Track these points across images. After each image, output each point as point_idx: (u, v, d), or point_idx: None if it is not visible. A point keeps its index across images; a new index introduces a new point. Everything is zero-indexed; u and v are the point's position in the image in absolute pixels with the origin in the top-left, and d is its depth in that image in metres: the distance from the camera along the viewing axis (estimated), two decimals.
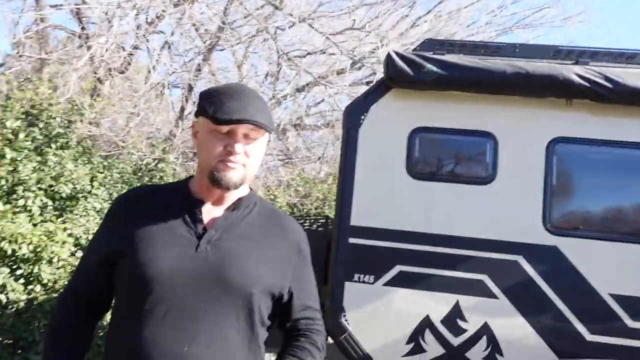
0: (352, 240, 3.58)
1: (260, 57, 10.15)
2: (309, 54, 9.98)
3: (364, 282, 3.54)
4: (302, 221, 4.75)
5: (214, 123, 1.50)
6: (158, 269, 1.44)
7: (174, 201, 1.57)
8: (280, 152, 12.08)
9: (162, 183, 1.65)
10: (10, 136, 5.67)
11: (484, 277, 3.43)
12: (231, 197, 1.58)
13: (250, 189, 1.66)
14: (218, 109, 1.49)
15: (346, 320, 3.50)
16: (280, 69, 10.31)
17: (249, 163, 1.54)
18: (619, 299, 3.30)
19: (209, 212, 1.56)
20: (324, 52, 10.25)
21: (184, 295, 1.44)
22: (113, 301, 1.60)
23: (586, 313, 3.32)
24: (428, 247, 3.52)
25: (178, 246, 1.48)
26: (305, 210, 10.89)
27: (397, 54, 3.61)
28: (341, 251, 3.57)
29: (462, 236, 3.50)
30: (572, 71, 3.38)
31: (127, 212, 1.58)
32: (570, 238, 3.41)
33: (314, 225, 4.78)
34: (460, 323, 3.42)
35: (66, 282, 4.70)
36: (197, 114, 1.59)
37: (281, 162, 12.07)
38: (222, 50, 10.76)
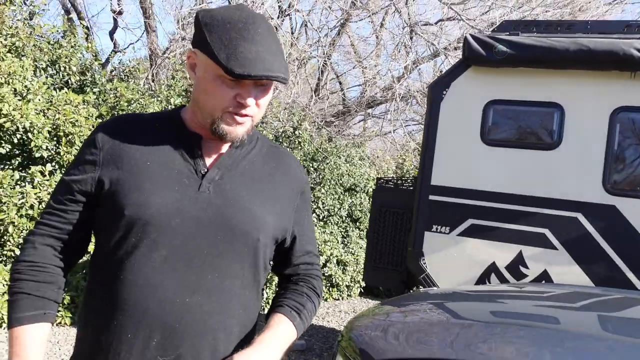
0: (432, 197, 4.26)
1: (387, 29, 10.74)
2: (433, 23, 10.39)
3: (440, 232, 4.21)
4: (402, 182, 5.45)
5: (226, 74, 1.25)
6: (156, 210, 1.26)
7: (168, 133, 1.36)
8: (419, 116, 12.69)
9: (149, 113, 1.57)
10: None
11: (546, 231, 3.93)
12: None
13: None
14: (231, 56, 1.24)
15: (424, 263, 4.22)
16: (411, 37, 10.87)
17: (258, 114, 1.34)
18: None
19: (209, 148, 1.37)
20: (452, 19, 10.62)
21: (185, 240, 1.27)
22: (93, 247, 1.37)
23: (638, 264, 3.70)
24: (497, 204, 4.08)
25: (178, 185, 1.30)
26: None
27: (473, 36, 4.14)
28: (422, 206, 4.27)
29: (528, 195, 4.01)
30: (632, 46, 3.69)
31: (113, 142, 1.33)
32: (627, 198, 3.78)
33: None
34: (522, 269, 3.97)
35: None
36: (195, 45, 1.32)
37: (418, 128, 12.69)
38: (356, 21, 11.57)
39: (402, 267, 4.43)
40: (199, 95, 1.34)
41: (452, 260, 4.15)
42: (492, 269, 4.05)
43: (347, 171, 9.18)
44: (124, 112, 6.34)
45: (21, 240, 5.12)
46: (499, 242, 4.06)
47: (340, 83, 13.40)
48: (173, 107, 6.98)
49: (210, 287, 1.30)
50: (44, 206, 5.26)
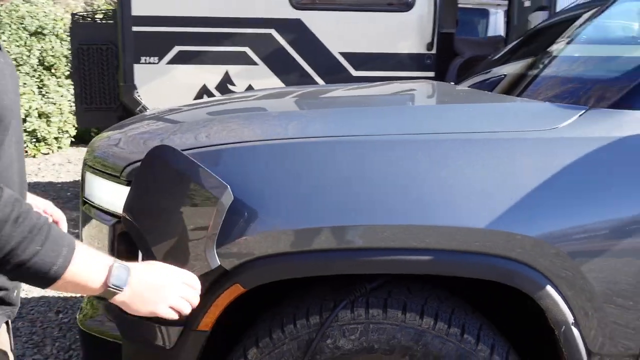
0: (135, 28, 4.21)
1: None
2: None
3: (149, 62, 4.27)
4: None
5: None
6: (7, 102, 1.27)
7: None
8: None
9: None
10: None
11: (247, 49, 4.30)
12: None
13: None
14: None
15: (139, 96, 4.29)
16: None
17: None
18: (345, 55, 4.36)
19: None
20: None
21: (17, 121, 1.36)
22: None
23: (323, 68, 4.37)
24: (200, 28, 4.25)
25: None
26: None
27: None
28: (127, 39, 4.21)
29: (228, 17, 4.26)
30: None
31: None
32: (309, 11, 4.31)
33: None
34: (230, 87, 4.35)
35: None
36: None
37: None
38: None
39: (116, 103, 4.42)
40: None
41: (166, 88, 4.30)
42: (204, 90, 4.33)
43: (28, 12, 8.17)
44: None
45: None
46: (206, 65, 4.31)
47: None
48: None
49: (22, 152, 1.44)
50: None
